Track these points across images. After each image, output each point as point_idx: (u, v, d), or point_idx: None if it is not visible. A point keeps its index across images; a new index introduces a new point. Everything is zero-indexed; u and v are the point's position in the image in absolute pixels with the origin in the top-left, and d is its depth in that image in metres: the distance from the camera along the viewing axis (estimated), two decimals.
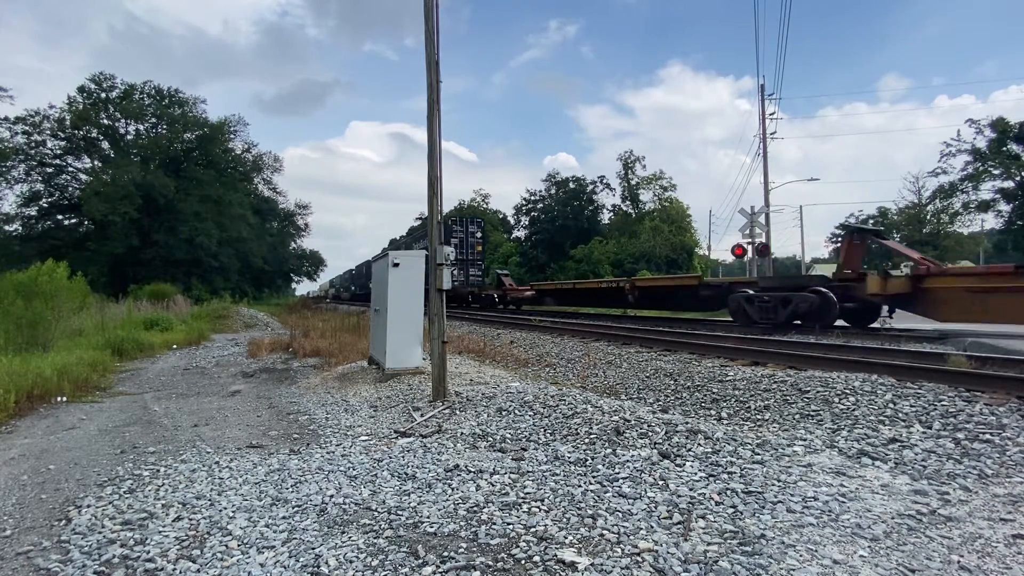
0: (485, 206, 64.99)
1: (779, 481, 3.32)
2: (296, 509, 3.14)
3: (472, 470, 3.70)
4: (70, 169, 41.97)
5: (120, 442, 4.99)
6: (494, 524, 2.83)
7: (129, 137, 42.95)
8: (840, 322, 10.61)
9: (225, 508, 3.18)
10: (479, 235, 28.19)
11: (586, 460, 3.83)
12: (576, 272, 43.45)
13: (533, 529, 2.75)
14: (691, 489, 3.21)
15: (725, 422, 5.04)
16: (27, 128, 38.68)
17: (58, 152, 41.08)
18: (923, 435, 4.08)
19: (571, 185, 56.54)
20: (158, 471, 4.00)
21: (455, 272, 25.15)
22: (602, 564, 2.38)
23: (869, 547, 2.50)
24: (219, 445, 4.84)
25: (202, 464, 4.13)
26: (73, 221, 41.77)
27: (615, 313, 19.09)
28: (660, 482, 3.35)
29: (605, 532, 2.69)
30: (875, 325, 10.71)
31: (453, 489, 3.37)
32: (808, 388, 5.40)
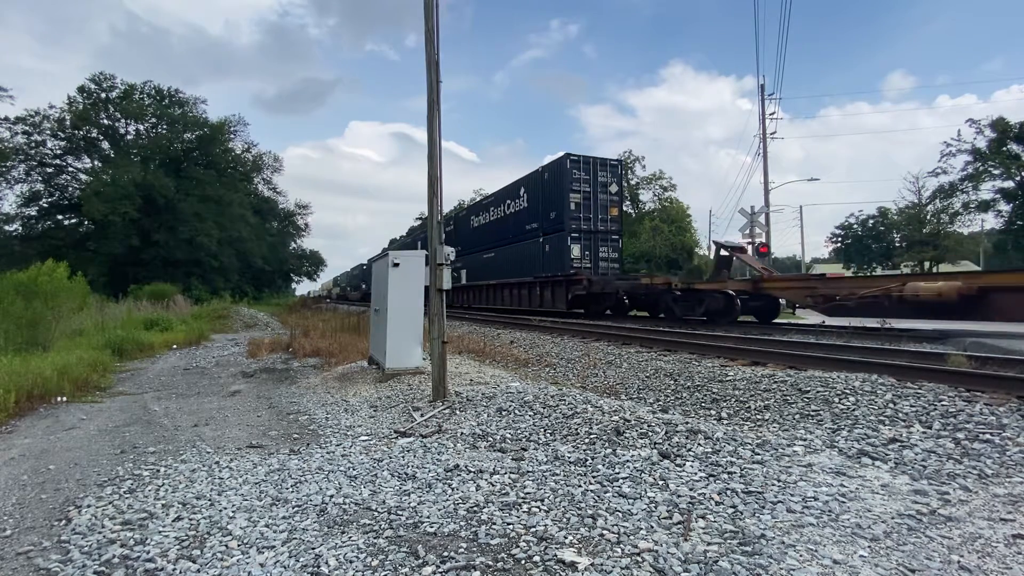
0: None
1: (779, 481, 3.32)
2: (296, 509, 3.14)
3: (472, 470, 3.70)
4: (70, 169, 42.01)
5: (120, 442, 4.99)
6: (494, 524, 2.83)
7: (129, 137, 42.96)
8: (845, 321, 10.46)
9: (225, 508, 3.18)
10: (614, 190, 16.72)
11: (586, 460, 3.82)
12: None
13: (533, 529, 2.75)
14: (691, 489, 3.21)
15: (725, 422, 5.04)
16: (27, 128, 38.70)
17: (58, 152, 41.08)
18: (923, 435, 4.08)
19: None
20: (158, 471, 4.00)
21: (577, 254, 16.31)
22: (602, 564, 2.38)
23: (869, 547, 2.50)
24: (219, 445, 4.83)
25: (202, 464, 4.13)
26: (73, 221, 41.76)
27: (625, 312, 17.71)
28: (660, 482, 3.35)
29: (605, 532, 2.69)
30: (875, 325, 10.50)
31: (453, 489, 3.37)
32: (808, 388, 5.40)
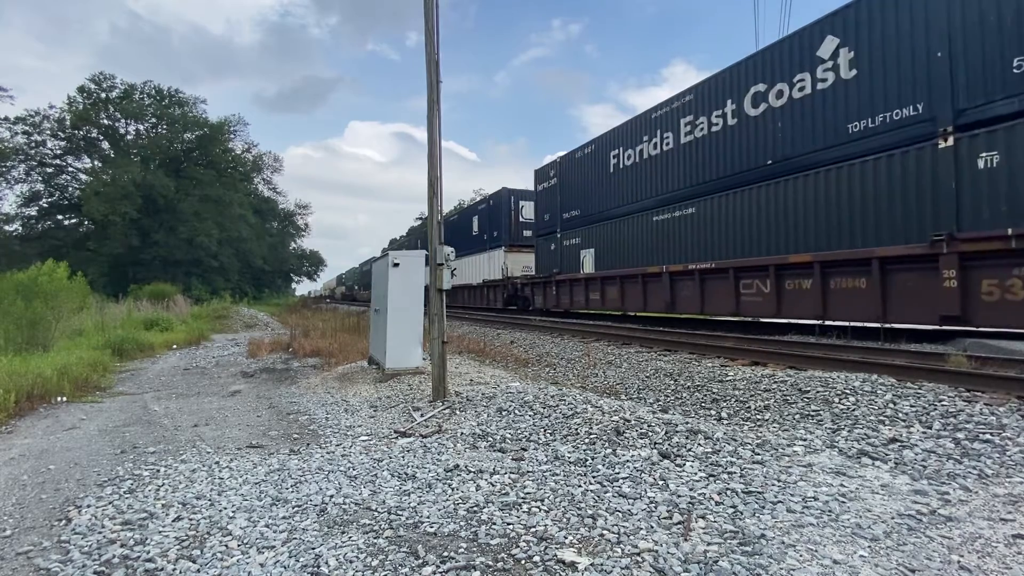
0: None
1: (779, 481, 3.32)
2: (296, 509, 3.14)
3: (472, 470, 3.70)
4: (70, 169, 42.05)
5: (120, 442, 4.99)
6: (494, 524, 2.83)
7: (129, 137, 42.99)
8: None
9: (225, 508, 3.18)
10: None
11: (586, 460, 3.82)
12: None
13: (533, 529, 2.75)
14: (691, 489, 3.21)
15: (725, 422, 5.04)
16: (27, 128, 38.78)
17: (58, 152, 41.14)
18: (923, 435, 4.08)
19: None
20: (158, 471, 4.00)
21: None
22: (602, 564, 2.38)
23: (869, 547, 2.50)
24: (219, 445, 4.83)
25: (202, 464, 4.13)
26: (73, 221, 41.82)
27: (614, 313, 18.66)
28: (660, 482, 3.35)
29: (605, 532, 2.69)
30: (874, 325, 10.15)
31: (453, 489, 3.37)
32: (808, 388, 5.40)
